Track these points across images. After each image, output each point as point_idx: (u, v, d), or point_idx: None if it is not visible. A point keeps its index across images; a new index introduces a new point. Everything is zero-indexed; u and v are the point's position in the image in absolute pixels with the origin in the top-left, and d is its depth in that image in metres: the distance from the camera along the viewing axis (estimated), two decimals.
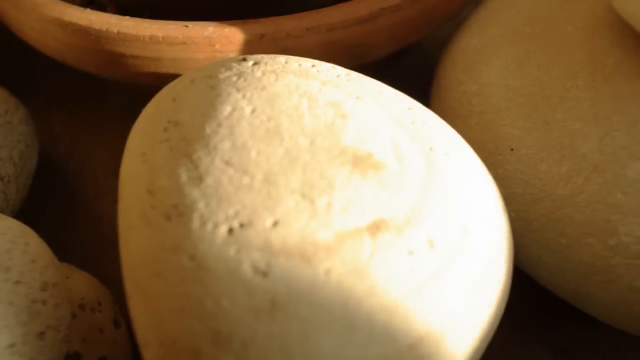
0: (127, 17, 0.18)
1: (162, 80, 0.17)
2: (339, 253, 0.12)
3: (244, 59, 0.15)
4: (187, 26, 0.18)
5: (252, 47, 0.18)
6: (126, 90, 0.24)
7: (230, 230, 0.12)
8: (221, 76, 0.15)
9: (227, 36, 0.18)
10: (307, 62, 0.15)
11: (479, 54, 0.19)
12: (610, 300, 0.16)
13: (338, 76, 0.15)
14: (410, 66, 0.25)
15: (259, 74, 0.15)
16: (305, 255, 0.12)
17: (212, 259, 0.12)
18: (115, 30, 0.18)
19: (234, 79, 0.15)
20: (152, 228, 0.13)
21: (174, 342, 0.12)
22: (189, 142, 0.13)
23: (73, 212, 0.23)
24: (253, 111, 0.14)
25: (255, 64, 0.15)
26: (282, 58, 0.15)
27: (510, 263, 0.15)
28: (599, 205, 0.16)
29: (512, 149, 0.17)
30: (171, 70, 0.18)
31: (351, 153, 0.13)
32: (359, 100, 0.14)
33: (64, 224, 0.22)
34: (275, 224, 0.12)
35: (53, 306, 0.15)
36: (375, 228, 0.12)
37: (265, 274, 0.12)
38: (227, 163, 0.13)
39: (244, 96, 0.14)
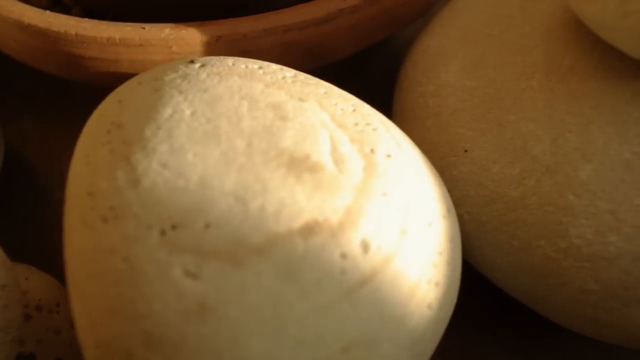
0: (86, 19, 0.18)
1: (121, 81, 0.17)
2: (270, 256, 0.12)
3: (192, 61, 0.15)
4: (144, 28, 0.18)
5: (210, 48, 0.18)
6: (95, 92, 0.24)
7: (163, 233, 0.12)
8: (166, 78, 0.15)
9: (184, 38, 0.18)
10: (254, 64, 0.15)
11: (438, 55, 0.19)
12: (563, 303, 0.16)
13: (284, 78, 0.15)
14: (380, 66, 0.25)
15: (203, 76, 0.15)
16: (236, 258, 0.12)
17: (144, 261, 0.12)
18: (73, 32, 0.18)
19: (178, 81, 0.15)
20: (90, 230, 0.13)
21: (107, 344, 0.12)
22: (129, 144, 0.13)
23: (39, 212, 0.23)
24: (193, 113, 0.14)
25: (202, 66, 0.15)
26: (230, 60, 0.15)
27: (455, 266, 0.14)
28: (550, 207, 0.16)
29: (465, 151, 0.17)
30: (130, 72, 0.19)
31: (288, 155, 0.13)
32: (302, 102, 0.14)
33: (29, 224, 0.22)
34: (207, 226, 0.12)
35: (2, 307, 0.15)
36: (308, 230, 0.12)
37: (195, 277, 0.12)
38: (164, 166, 0.13)
39: (185, 98, 0.14)
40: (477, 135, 0.17)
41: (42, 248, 0.21)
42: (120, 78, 0.19)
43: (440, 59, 0.19)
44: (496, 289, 0.19)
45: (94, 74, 0.19)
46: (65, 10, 0.21)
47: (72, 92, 0.27)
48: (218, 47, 0.18)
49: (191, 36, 0.18)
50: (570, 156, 0.16)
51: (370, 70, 0.25)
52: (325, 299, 0.12)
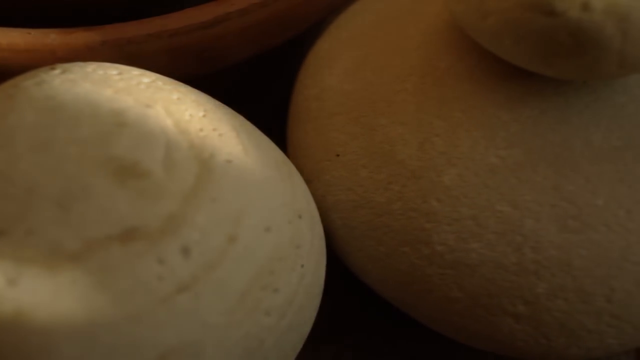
0: None
1: None
2: (87, 262, 0.12)
3: (53, 68, 0.15)
4: (29, 33, 0.18)
5: (95, 54, 0.18)
6: None
7: None
8: (22, 85, 0.15)
9: (69, 43, 0.18)
10: (114, 70, 0.15)
11: (326, 58, 0.18)
12: (430, 311, 0.16)
13: (138, 84, 0.15)
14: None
15: (57, 82, 0.15)
16: (52, 265, 0.12)
17: None
18: None
19: (32, 88, 0.15)
20: None
21: None
22: None
23: None
24: (35, 121, 0.14)
25: (62, 72, 0.15)
26: (91, 66, 0.15)
27: (303, 273, 0.14)
28: (414, 213, 0.15)
29: (338, 155, 0.16)
30: None
31: (117, 162, 0.13)
32: (148, 108, 0.14)
33: None
34: (28, 233, 0.12)
35: None
36: (126, 237, 0.12)
37: (13, 283, 0.12)
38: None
39: (31, 106, 0.14)
40: (349, 139, 0.16)
41: None
42: None
43: (327, 62, 0.18)
44: None
45: None
46: None
47: None
48: (103, 52, 0.18)
49: (76, 41, 0.18)
50: (435, 161, 0.15)
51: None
52: (139, 306, 0.12)
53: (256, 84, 0.22)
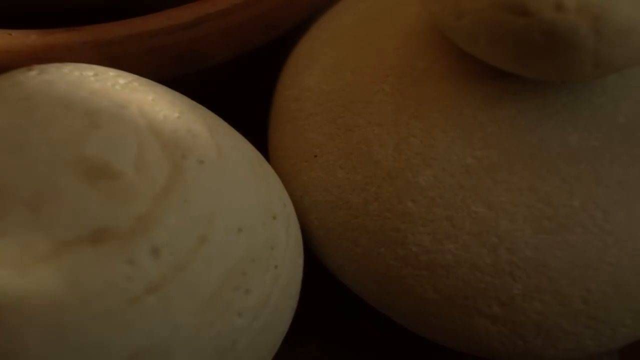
0: None
1: None
2: (56, 263, 0.12)
3: (30, 69, 0.15)
4: (10, 34, 0.18)
5: (76, 54, 0.18)
6: None
7: None
8: None
9: (50, 44, 0.18)
10: (90, 71, 0.15)
11: (306, 59, 0.18)
12: (407, 312, 0.16)
13: (114, 85, 0.15)
14: None
15: (33, 83, 0.15)
16: (22, 266, 0.12)
17: None
18: None
19: (8, 89, 0.15)
20: None
21: None
22: None
23: None
24: (8, 122, 0.14)
25: (39, 73, 0.15)
26: (67, 67, 0.15)
27: (278, 274, 0.14)
28: (389, 213, 0.15)
29: (315, 156, 0.16)
30: None
31: (89, 163, 0.13)
32: (122, 109, 0.14)
33: None
34: None
35: None
36: (96, 238, 0.12)
37: None
38: None
39: (5, 107, 0.14)
40: (326, 140, 0.16)
41: None
42: None
43: (307, 62, 0.18)
44: None
45: None
46: None
47: None
48: (84, 53, 0.18)
49: (57, 42, 0.18)
50: (411, 161, 0.15)
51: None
52: (107, 307, 0.12)
53: (240, 85, 0.22)
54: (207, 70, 0.20)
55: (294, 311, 0.16)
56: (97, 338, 0.12)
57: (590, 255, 0.15)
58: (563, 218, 0.15)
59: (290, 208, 0.16)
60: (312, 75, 0.18)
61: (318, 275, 0.18)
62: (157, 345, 0.12)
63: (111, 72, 0.16)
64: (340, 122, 0.16)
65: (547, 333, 0.15)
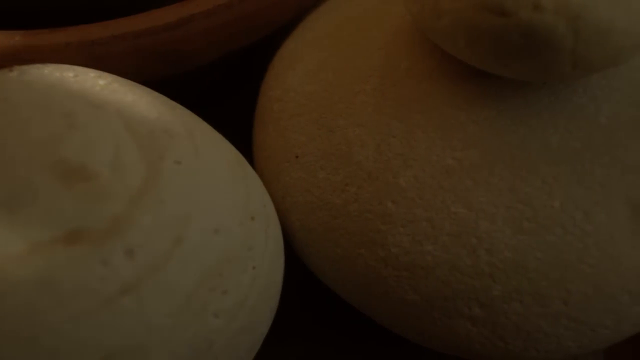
0: None
1: None
2: (30, 264, 0.12)
3: (11, 70, 0.16)
4: None
5: (59, 55, 0.18)
6: None
7: None
8: None
9: (33, 45, 0.18)
10: (70, 72, 0.15)
11: (290, 59, 0.18)
12: (388, 314, 0.16)
13: (93, 85, 0.15)
14: None
15: (12, 84, 0.15)
16: None
17: None
18: None
19: None
20: None
21: None
22: None
23: None
24: None
25: (19, 74, 0.15)
26: (48, 68, 0.15)
27: (256, 275, 0.14)
28: (369, 214, 0.15)
29: (297, 156, 0.16)
30: None
31: (65, 164, 0.13)
32: (100, 110, 0.14)
33: None
34: None
35: None
36: (70, 239, 0.12)
37: None
38: None
39: None
40: (307, 140, 0.16)
41: None
42: None
43: (290, 63, 0.18)
44: None
45: None
46: None
47: None
48: (68, 54, 0.18)
49: (40, 43, 0.18)
50: (392, 162, 0.15)
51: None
52: (81, 308, 0.12)
53: (226, 85, 0.22)
54: (191, 70, 0.20)
55: (274, 312, 0.16)
56: (72, 339, 0.12)
57: (570, 256, 0.15)
58: (543, 219, 0.15)
59: (270, 209, 0.16)
60: (295, 75, 0.18)
61: (301, 276, 0.18)
62: (133, 346, 0.12)
63: (91, 73, 0.16)
64: (321, 123, 0.16)
65: (527, 334, 0.15)
